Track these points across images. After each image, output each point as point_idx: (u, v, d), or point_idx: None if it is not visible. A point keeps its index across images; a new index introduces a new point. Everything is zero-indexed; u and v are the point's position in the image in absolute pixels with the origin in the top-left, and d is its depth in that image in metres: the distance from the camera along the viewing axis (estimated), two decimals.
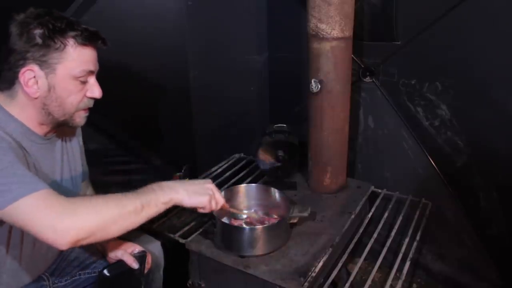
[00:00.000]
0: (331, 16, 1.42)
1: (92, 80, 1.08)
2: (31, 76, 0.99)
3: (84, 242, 0.90)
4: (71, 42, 1.00)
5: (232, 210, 1.39)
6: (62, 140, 1.19)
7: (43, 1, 1.02)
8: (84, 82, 1.06)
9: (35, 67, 0.99)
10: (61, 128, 1.15)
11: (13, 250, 1.08)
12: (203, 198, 1.11)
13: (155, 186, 1.04)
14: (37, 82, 1.00)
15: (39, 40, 0.97)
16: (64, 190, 1.14)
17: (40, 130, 1.08)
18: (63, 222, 0.86)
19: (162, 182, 1.07)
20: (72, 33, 1.00)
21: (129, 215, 0.95)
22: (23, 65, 0.98)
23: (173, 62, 1.85)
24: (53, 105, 1.03)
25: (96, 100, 1.11)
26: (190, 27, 1.83)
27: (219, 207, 1.19)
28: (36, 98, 1.01)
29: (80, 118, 1.10)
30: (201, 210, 1.15)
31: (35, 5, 1.00)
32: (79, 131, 1.28)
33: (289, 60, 2.01)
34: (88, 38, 1.02)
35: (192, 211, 1.59)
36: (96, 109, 1.12)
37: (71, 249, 1.32)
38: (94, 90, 1.08)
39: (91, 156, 1.35)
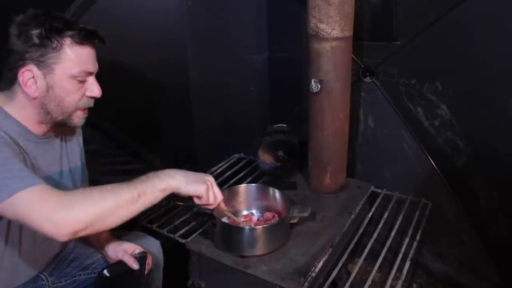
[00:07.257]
0: (331, 16, 1.42)
1: (91, 79, 1.08)
2: (29, 76, 0.99)
3: (83, 233, 0.91)
4: (68, 41, 1.00)
5: (230, 214, 1.34)
6: (61, 140, 1.19)
7: (43, 1, 1.02)
8: (82, 82, 1.05)
9: (34, 67, 0.99)
10: (60, 128, 1.15)
11: (11, 246, 1.08)
12: (201, 186, 1.10)
13: (151, 174, 1.04)
14: (36, 82, 1.00)
15: (36, 40, 0.97)
16: (63, 189, 1.14)
17: (38, 129, 1.08)
18: (60, 214, 0.87)
19: (159, 170, 1.06)
20: (69, 33, 1.00)
21: (126, 205, 0.95)
22: (22, 66, 0.99)
23: (173, 62, 1.85)
24: (51, 104, 1.03)
25: (96, 100, 1.11)
26: (190, 27, 1.83)
27: (217, 202, 1.17)
28: (35, 98, 1.02)
29: (79, 119, 1.10)
30: (198, 201, 1.14)
31: (35, 5, 1.00)
32: (79, 132, 1.27)
33: (289, 60, 2.01)
34: (85, 37, 1.02)
35: (192, 210, 1.62)
36: (96, 109, 1.13)
37: (71, 250, 1.32)
38: (94, 89, 1.08)
39: (91, 156, 1.35)
